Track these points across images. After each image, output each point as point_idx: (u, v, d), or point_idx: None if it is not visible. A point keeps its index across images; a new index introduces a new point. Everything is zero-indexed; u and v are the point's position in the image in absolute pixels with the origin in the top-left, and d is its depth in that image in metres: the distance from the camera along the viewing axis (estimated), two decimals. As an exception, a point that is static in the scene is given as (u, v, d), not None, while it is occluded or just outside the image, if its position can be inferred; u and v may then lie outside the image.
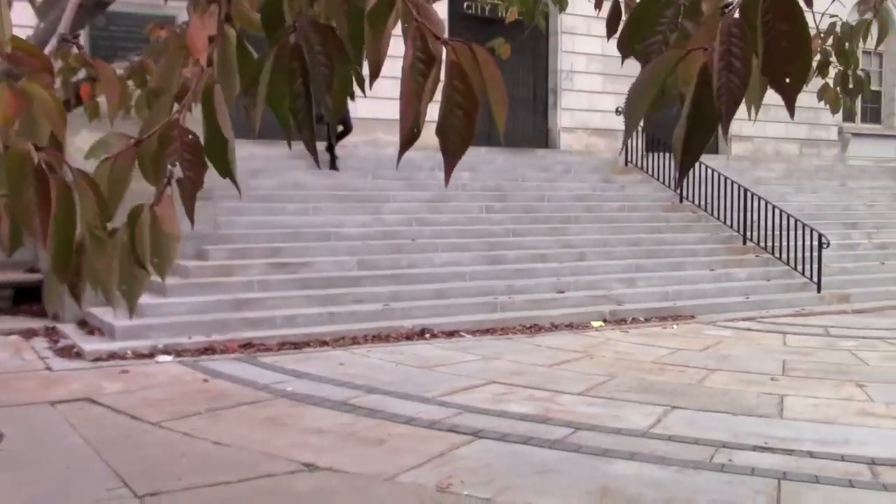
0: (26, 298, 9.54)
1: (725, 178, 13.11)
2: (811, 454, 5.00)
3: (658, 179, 14.32)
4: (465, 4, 15.71)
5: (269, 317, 8.48)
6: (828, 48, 3.28)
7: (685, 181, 13.64)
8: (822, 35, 3.37)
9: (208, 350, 7.77)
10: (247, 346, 7.97)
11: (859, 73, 3.33)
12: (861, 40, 3.21)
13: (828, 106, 3.46)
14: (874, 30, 3.33)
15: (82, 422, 5.51)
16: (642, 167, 14.78)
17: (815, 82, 3.74)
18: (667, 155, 14.11)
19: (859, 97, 3.48)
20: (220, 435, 5.26)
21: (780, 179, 16.41)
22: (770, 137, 19.19)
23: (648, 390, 6.60)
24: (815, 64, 3.30)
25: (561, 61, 16.64)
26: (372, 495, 4.32)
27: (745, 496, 4.33)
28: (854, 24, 3.35)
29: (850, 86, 3.29)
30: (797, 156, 19.37)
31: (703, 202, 13.48)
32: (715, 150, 18.67)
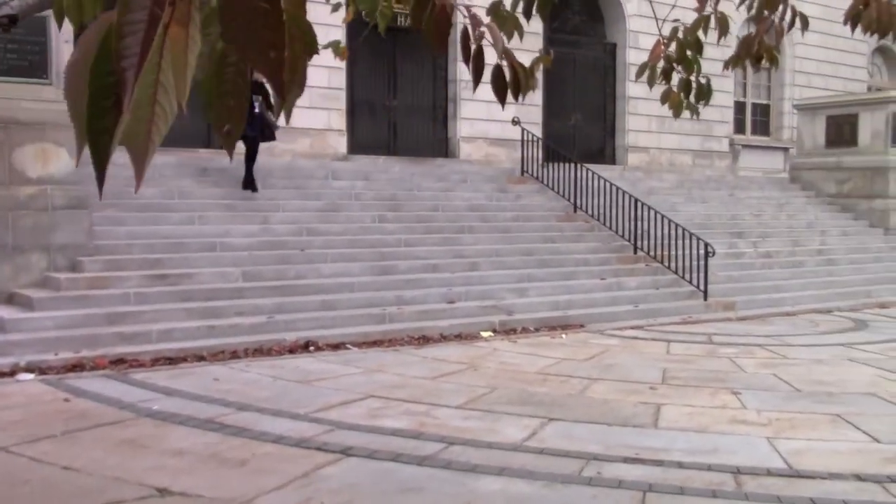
0: None
1: (617, 189, 13.29)
2: (680, 464, 5.01)
3: (554, 189, 14.42)
4: (363, 13, 15.53)
5: (144, 331, 8.13)
6: (671, 54, 3.26)
7: (578, 192, 13.80)
8: (664, 41, 3.34)
9: (76, 367, 7.38)
10: (119, 362, 7.60)
11: (701, 79, 3.32)
12: (701, 42, 3.19)
13: (671, 110, 3.44)
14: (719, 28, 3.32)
15: (-80, 448, 5.12)
16: (538, 178, 14.88)
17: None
18: (564, 165, 14.25)
19: (701, 102, 3.47)
20: (71, 459, 4.95)
21: (671, 189, 16.76)
22: (665, 148, 19.65)
23: (528, 402, 6.55)
24: (659, 69, 3.28)
25: (460, 71, 16.61)
26: (223, 521, 4.11)
27: (609, 510, 4.29)
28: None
29: (693, 92, 3.27)
30: (690, 166, 19.87)
31: (596, 212, 13.64)
32: (613, 161, 19.04)
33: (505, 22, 3.17)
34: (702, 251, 12.08)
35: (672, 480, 4.71)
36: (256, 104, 10.96)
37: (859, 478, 4.79)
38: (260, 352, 8.31)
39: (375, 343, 9.00)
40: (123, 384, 6.92)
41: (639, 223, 12.94)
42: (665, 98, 3.35)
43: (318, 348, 8.58)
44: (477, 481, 4.67)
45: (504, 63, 2.42)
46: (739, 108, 21.70)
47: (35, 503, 4.24)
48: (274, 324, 8.80)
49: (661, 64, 3.28)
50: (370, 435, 5.52)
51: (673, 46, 3.22)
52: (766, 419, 6.12)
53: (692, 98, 3.23)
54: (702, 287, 12.08)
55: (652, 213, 12.84)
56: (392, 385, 7.04)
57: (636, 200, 12.90)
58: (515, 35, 3.11)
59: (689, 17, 4.12)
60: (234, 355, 8.12)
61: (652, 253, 12.77)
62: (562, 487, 4.59)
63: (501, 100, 2.38)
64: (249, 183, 11.48)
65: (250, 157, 11.44)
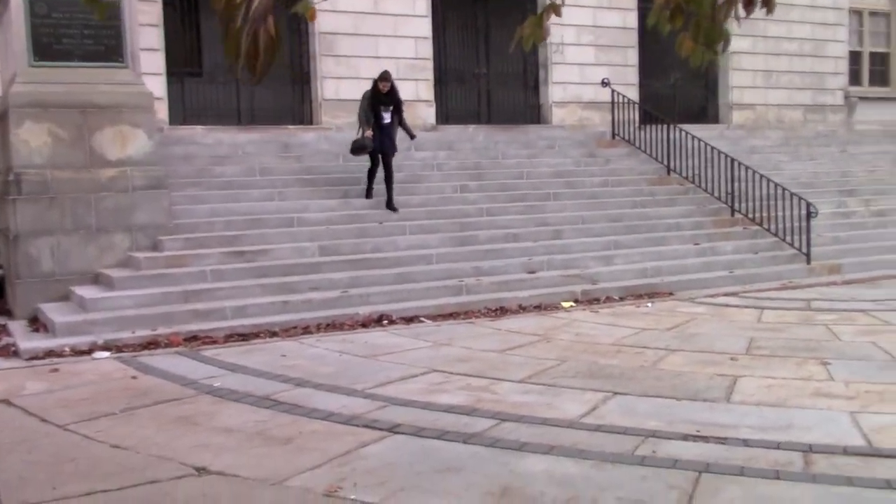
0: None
1: (712, 149, 12.64)
2: (745, 442, 4.65)
3: (646, 152, 13.86)
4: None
5: (219, 308, 8.22)
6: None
7: (672, 154, 13.20)
8: None
9: (151, 344, 7.53)
10: (192, 339, 7.71)
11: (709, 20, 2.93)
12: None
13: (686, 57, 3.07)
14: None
15: (-15, 426, 5.28)
16: (630, 140, 14.33)
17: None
18: (660, 127, 13.67)
19: (722, 48, 3.08)
20: (122, 437, 5.00)
21: (776, 147, 15.88)
22: (772, 105, 18.60)
23: (596, 375, 6.25)
24: (667, 13, 2.93)
25: (551, 34, 16.09)
26: (251, 503, 4.03)
27: (657, 493, 3.99)
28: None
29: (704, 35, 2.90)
30: (801, 122, 18.76)
31: (691, 174, 13.04)
32: (717, 120, 18.18)
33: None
34: (804, 212, 11.36)
35: (733, 460, 4.36)
36: (386, 115, 10.75)
37: (948, 458, 4.32)
38: (332, 326, 8.27)
39: (451, 316, 8.84)
40: (193, 361, 7.00)
41: (737, 184, 12.29)
42: (679, 45, 3.00)
43: (392, 322, 8.49)
44: (522, 460, 4.44)
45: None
46: (855, 58, 20.34)
47: (74, 482, 4.27)
48: (348, 298, 8.75)
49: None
50: (422, 412, 5.37)
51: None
52: (853, 391, 5.64)
53: (701, 42, 2.86)
54: (804, 250, 11.38)
55: (751, 172, 12.15)
56: (457, 358, 6.86)
57: (732, 160, 12.23)
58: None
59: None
60: (307, 330, 8.11)
61: (751, 215, 12.11)
62: (611, 468, 4.31)
63: (231, 71, 2.09)
64: (370, 192, 10.87)
65: (374, 172, 10.79)
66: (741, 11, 2.94)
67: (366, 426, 5.08)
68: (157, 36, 12.20)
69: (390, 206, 10.67)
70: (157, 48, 12.20)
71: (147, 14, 11.86)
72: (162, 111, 12.03)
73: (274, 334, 7.97)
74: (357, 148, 10.68)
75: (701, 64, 3.07)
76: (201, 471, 4.40)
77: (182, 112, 13.03)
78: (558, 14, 3.26)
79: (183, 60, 13.29)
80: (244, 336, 7.89)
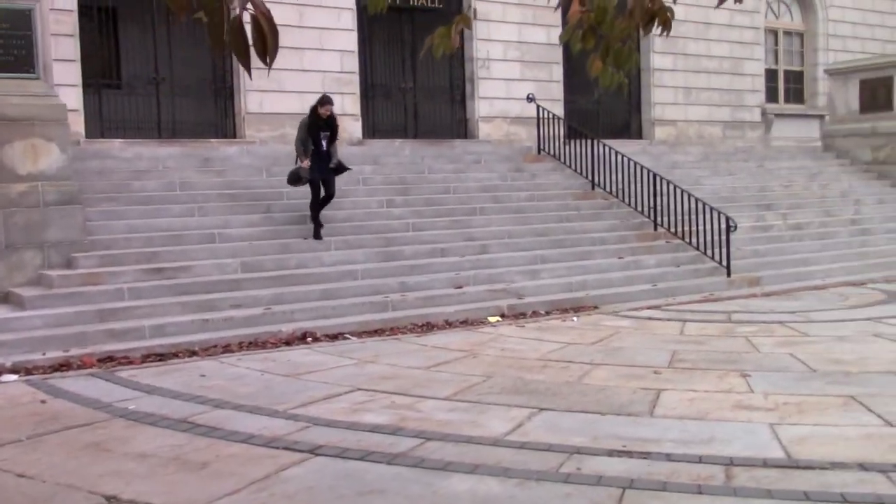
0: None
1: (636, 164, 12.84)
2: (669, 456, 4.66)
3: (571, 167, 14.00)
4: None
5: (136, 327, 7.96)
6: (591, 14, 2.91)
7: (597, 169, 13.36)
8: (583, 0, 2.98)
9: (63, 366, 7.23)
10: (107, 359, 7.44)
11: (621, 43, 2.95)
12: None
13: (595, 78, 3.07)
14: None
15: None
16: (556, 155, 14.45)
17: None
18: (585, 142, 13.81)
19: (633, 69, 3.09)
20: (29, 465, 4.75)
21: (697, 163, 16.22)
22: (693, 121, 19.04)
23: (521, 391, 6.23)
24: (580, 32, 2.92)
25: (476, 49, 16.18)
26: (163, 532, 3.87)
27: (581, 511, 3.96)
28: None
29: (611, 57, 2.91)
30: (721, 138, 19.25)
31: (615, 189, 13.21)
32: (640, 136, 18.50)
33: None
34: (724, 226, 11.60)
35: (657, 475, 4.36)
36: (324, 142, 10.26)
37: (863, 467, 4.40)
38: (255, 345, 8.08)
39: (377, 332, 8.73)
40: (108, 383, 6.73)
41: (659, 199, 12.49)
42: (590, 65, 3.00)
43: (316, 339, 8.34)
44: (446, 481, 4.37)
45: (248, 14, 2.06)
46: (771, 75, 20.97)
47: (-25, 515, 4.04)
48: (271, 315, 8.57)
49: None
50: (346, 432, 5.25)
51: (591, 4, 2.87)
52: (772, 403, 5.72)
53: (610, 64, 2.86)
54: (724, 263, 11.61)
55: (672, 187, 12.37)
56: (382, 376, 6.76)
57: (655, 175, 12.43)
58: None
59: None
60: (228, 349, 7.91)
61: (673, 229, 12.32)
62: (535, 486, 4.27)
63: (245, 65, 2.03)
64: (318, 230, 10.33)
65: (319, 205, 10.32)
66: (641, 31, 2.95)
67: (286, 448, 4.94)
68: (72, 46, 11.84)
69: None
70: (73, 59, 11.85)
71: (62, 24, 11.52)
72: (78, 124, 11.68)
73: (193, 354, 7.74)
74: (293, 178, 10.22)
75: (610, 84, 3.07)
76: (111, 500, 4.21)
77: (99, 125, 12.67)
78: (468, 26, 3.23)
79: (101, 71, 12.94)
80: (162, 356, 7.64)
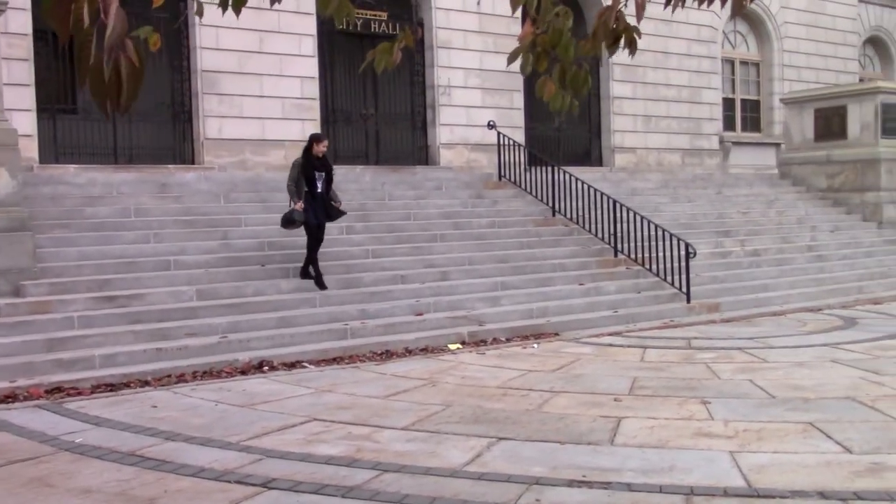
0: None
1: (596, 191, 12.88)
2: (629, 486, 4.59)
3: (532, 194, 14.02)
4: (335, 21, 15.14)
5: (86, 356, 7.74)
6: (544, 36, 2.86)
7: (557, 196, 13.38)
8: (536, 21, 2.94)
9: (8, 398, 6.98)
10: (56, 390, 7.21)
11: (576, 66, 2.91)
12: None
13: (548, 102, 3.03)
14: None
15: None
16: (517, 182, 14.47)
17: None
18: (546, 168, 13.84)
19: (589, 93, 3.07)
20: (-34, 503, 4.56)
21: (656, 190, 16.34)
22: (652, 148, 19.23)
23: (481, 420, 6.13)
24: (531, 55, 2.87)
25: (437, 76, 16.21)
26: (105, 572, 3.70)
27: (540, 544, 3.86)
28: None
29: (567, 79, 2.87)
30: (680, 166, 19.45)
31: (576, 216, 13.24)
32: (600, 163, 18.61)
33: None
34: (683, 252, 11.66)
35: (616, 506, 4.29)
36: (319, 183, 9.87)
37: (823, 495, 4.37)
38: (210, 374, 7.90)
39: (335, 360, 8.60)
40: (55, 415, 6.52)
41: (619, 225, 12.53)
42: (540, 89, 2.95)
43: (273, 368, 8.18)
44: (402, 514, 4.25)
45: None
46: (729, 104, 21.29)
47: None
48: (227, 344, 8.40)
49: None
50: (300, 464, 5.11)
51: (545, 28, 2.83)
52: (732, 431, 5.69)
53: (566, 87, 2.81)
54: (684, 289, 11.65)
55: (632, 214, 12.42)
56: (340, 406, 6.62)
57: (615, 202, 12.48)
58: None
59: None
60: (182, 379, 7.72)
61: (633, 256, 12.35)
62: (493, 518, 4.17)
63: (101, 108, 1.93)
64: (307, 274, 9.91)
65: (313, 245, 9.94)
66: (605, 53, 2.91)
67: (238, 482, 4.79)
68: (26, 70, 11.63)
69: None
70: (27, 83, 11.63)
71: (15, 48, 11.33)
72: (31, 149, 11.46)
73: (146, 384, 7.54)
74: (286, 221, 9.78)
75: (561, 108, 3.02)
76: (52, 538, 4.03)
77: (54, 150, 12.44)
78: (410, 44, 3.16)
79: (56, 96, 12.71)
80: (113, 386, 7.43)
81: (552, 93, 2.91)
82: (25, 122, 11.27)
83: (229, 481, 4.81)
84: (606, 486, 4.60)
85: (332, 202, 10.12)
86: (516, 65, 3.54)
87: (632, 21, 2.82)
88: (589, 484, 4.64)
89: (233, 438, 5.69)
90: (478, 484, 4.69)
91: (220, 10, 3.64)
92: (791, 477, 4.69)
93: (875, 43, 25.28)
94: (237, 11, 3.73)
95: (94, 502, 4.54)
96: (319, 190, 9.87)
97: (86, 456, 5.40)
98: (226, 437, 5.72)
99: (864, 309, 12.25)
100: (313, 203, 9.78)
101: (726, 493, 4.46)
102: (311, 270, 9.92)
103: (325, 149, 9.99)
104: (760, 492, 4.46)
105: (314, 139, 10.06)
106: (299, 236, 10.85)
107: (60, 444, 5.66)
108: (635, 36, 2.68)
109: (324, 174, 9.96)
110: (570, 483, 4.66)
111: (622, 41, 2.79)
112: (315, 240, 9.90)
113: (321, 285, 9.85)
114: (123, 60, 2.03)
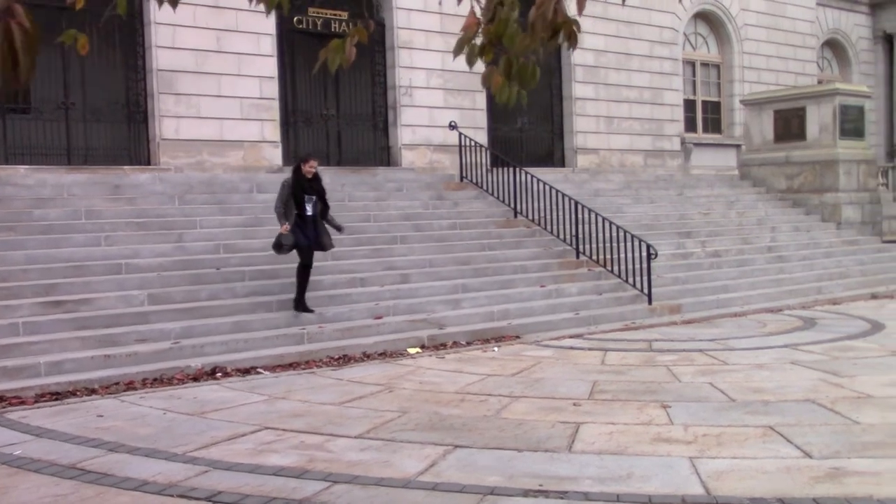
0: None
1: (558, 192, 12.81)
2: (586, 496, 4.47)
3: (494, 195, 13.92)
4: (295, 19, 14.94)
5: (31, 364, 7.47)
6: (490, 27, 2.74)
7: (519, 197, 13.28)
8: (480, 11, 2.82)
9: (-53, 409, 6.71)
10: (-3, 400, 6.94)
11: (524, 58, 2.79)
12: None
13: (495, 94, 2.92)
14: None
15: None
16: (479, 183, 14.36)
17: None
18: (508, 170, 13.75)
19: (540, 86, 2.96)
20: None
21: (618, 191, 16.33)
22: (615, 149, 19.23)
23: (437, 427, 5.98)
24: (475, 43, 2.75)
25: (399, 77, 16.05)
26: None
27: (493, 558, 3.73)
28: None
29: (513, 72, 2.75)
30: (642, 166, 19.47)
31: (537, 217, 13.15)
32: (563, 164, 18.57)
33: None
34: (645, 254, 11.62)
35: (573, 516, 4.17)
36: (309, 206, 9.36)
37: (783, 502, 4.29)
38: (160, 381, 7.67)
39: (291, 366, 8.41)
40: (-5, 426, 6.27)
41: (581, 227, 12.47)
42: (486, 80, 2.83)
43: (227, 374, 7.97)
44: (351, 528, 4.10)
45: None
46: (690, 106, 21.38)
47: None
48: (179, 350, 8.17)
49: (478, 39, 2.77)
50: (248, 476, 4.92)
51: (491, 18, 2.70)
52: (692, 436, 5.60)
53: (513, 79, 2.70)
54: (645, 290, 11.61)
55: (594, 216, 12.36)
56: (293, 413, 6.44)
57: (577, 203, 12.41)
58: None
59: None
60: (131, 386, 7.49)
61: (595, 257, 12.29)
62: (446, 532, 4.03)
63: (9, 73, 1.76)
64: (301, 303, 9.43)
65: (307, 275, 9.44)
66: (560, 47, 2.79)
67: (182, 496, 4.60)
68: (-28, 68, 11.26)
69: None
70: (-27, 81, 11.27)
71: (-40, 44, 10.96)
72: (-22, 149, 11.11)
73: (93, 392, 7.30)
74: (276, 246, 9.28)
75: (508, 100, 2.89)
76: (-21, 560, 3.82)
77: (3, 151, 12.09)
78: (364, 39, 3.01)
79: (7, 96, 12.36)
80: (58, 395, 7.18)
81: (498, 84, 2.79)
82: (-28, 122, 10.94)
83: (172, 495, 4.62)
84: (563, 495, 4.49)
85: (334, 227, 9.63)
86: (478, 65, 3.40)
87: (572, 14, 2.71)
88: (545, 493, 4.52)
89: (179, 449, 5.49)
90: (431, 495, 4.55)
91: (168, 6, 3.48)
92: (750, 483, 4.61)
93: (833, 45, 25.57)
94: (174, 5, 3.56)
95: (29, 520, 4.33)
96: (310, 213, 9.35)
97: (23, 469, 5.17)
98: (172, 448, 5.52)
99: (823, 309, 12.30)
100: (303, 226, 9.26)
101: (684, 501, 4.36)
102: (304, 299, 9.44)
103: (312, 168, 9.44)
104: (719, 499, 4.37)
105: (300, 159, 9.57)
106: (254, 239, 10.65)
107: (-2, 457, 5.43)
108: (574, 29, 2.55)
109: (314, 197, 9.44)
110: (526, 493, 4.53)
111: (561, 35, 2.66)
112: (308, 264, 9.36)
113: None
114: (15, 27, 1.84)
